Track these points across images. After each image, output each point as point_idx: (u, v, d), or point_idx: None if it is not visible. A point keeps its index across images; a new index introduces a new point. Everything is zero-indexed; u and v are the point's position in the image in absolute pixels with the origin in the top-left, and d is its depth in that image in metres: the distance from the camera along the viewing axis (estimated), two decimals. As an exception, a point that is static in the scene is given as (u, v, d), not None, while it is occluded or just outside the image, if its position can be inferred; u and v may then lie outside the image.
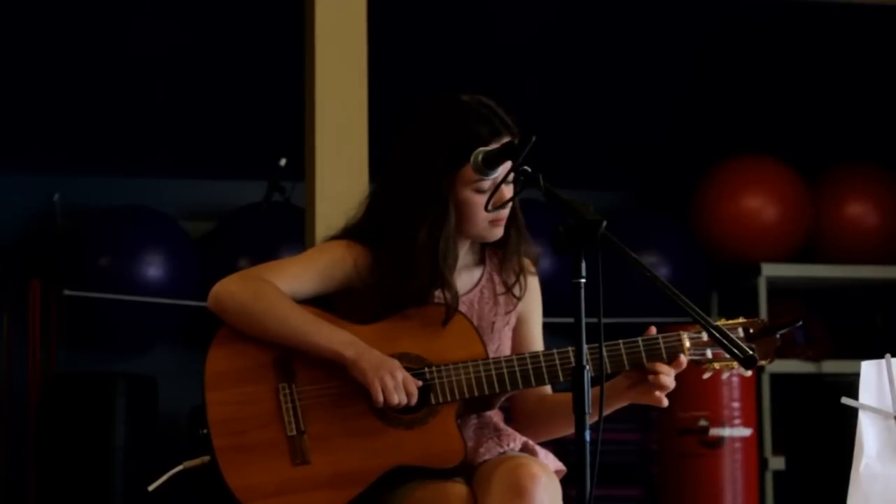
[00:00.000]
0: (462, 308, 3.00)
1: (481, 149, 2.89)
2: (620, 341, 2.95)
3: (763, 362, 2.96)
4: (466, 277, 3.07)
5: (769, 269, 7.01)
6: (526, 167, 2.81)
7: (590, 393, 2.63)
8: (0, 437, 6.74)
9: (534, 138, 2.80)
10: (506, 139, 2.95)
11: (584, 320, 2.63)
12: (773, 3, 6.48)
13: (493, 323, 3.07)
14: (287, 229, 6.62)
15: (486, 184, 2.94)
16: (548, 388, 3.12)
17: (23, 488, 6.53)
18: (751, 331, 2.99)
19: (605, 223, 2.64)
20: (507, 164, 2.89)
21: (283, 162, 6.72)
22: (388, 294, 2.96)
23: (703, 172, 7.27)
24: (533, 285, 3.13)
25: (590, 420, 2.62)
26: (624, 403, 3.01)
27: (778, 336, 2.99)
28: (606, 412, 2.94)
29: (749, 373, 2.98)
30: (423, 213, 2.95)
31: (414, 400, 2.90)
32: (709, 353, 2.98)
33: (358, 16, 5.29)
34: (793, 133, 7.29)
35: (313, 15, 5.27)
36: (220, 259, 6.74)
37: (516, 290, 3.07)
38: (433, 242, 2.95)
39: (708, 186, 7.23)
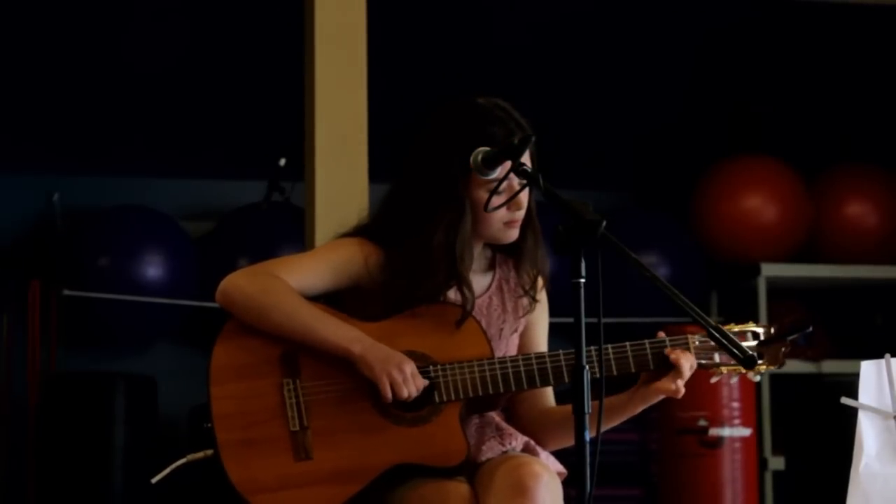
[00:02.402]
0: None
1: (480, 149, 2.91)
2: (627, 343, 2.95)
3: (772, 367, 2.97)
4: (477, 282, 3.08)
5: (769, 269, 7.01)
6: (526, 167, 2.82)
7: (590, 399, 2.64)
8: (0, 437, 6.74)
9: (533, 138, 2.82)
10: (519, 141, 2.97)
11: (583, 320, 2.64)
12: (773, 2, 6.48)
13: (502, 329, 3.08)
14: (287, 229, 6.62)
15: (502, 185, 2.94)
16: (550, 399, 3.12)
17: (23, 488, 6.53)
18: (761, 336, 2.99)
19: (604, 223, 2.64)
20: (507, 164, 2.90)
21: (282, 162, 6.73)
22: (400, 293, 2.97)
23: (702, 172, 7.27)
24: (541, 299, 3.14)
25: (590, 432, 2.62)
26: (630, 413, 3.00)
27: (787, 341, 2.99)
28: (615, 423, 2.96)
29: (758, 378, 2.99)
30: (440, 215, 2.97)
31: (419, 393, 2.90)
32: (716, 358, 2.98)
33: (358, 16, 5.29)
34: (793, 133, 7.29)
35: (313, 15, 5.27)
36: (219, 259, 6.74)
37: (532, 293, 3.08)
38: (450, 243, 2.96)
39: (708, 186, 7.23)
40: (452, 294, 2.99)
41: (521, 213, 3.02)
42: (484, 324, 3.02)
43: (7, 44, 6.32)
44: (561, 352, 2.95)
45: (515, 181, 2.94)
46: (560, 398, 3.11)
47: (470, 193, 2.98)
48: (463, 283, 2.97)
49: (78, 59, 6.46)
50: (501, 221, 3.00)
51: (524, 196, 2.98)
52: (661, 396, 2.97)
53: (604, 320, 2.59)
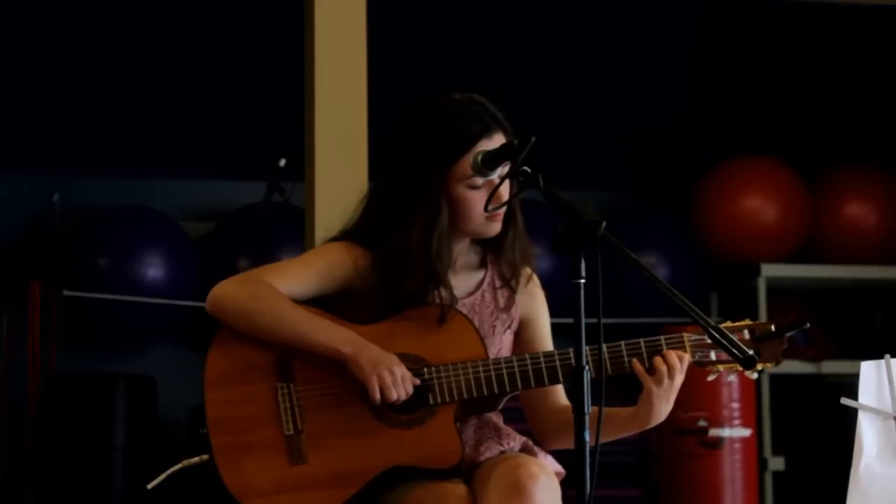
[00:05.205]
0: (463, 311, 3.00)
1: (481, 149, 2.91)
2: (622, 342, 2.95)
3: (769, 365, 2.96)
4: (468, 279, 3.07)
5: (769, 270, 7.01)
6: (525, 168, 2.81)
7: (590, 398, 2.64)
8: (0, 438, 6.74)
9: (533, 139, 2.81)
10: (497, 135, 2.96)
11: (583, 320, 2.64)
12: (773, 2, 6.48)
13: (494, 326, 3.07)
14: (287, 230, 6.62)
15: (480, 180, 2.95)
16: (562, 398, 3.11)
17: (23, 489, 6.53)
18: (756, 333, 2.99)
19: (604, 223, 2.64)
20: (507, 165, 2.90)
21: (282, 162, 6.72)
22: (387, 294, 2.96)
23: (703, 172, 7.27)
24: (535, 292, 3.13)
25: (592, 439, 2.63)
26: (640, 423, 2.99)
27: (785, 338, 2.99)
28: (626, 433, 2.96)
29: (755, 375, 2.98)
30: (416, 212, 2.96)
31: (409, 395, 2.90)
32: (712, 356, 2.97)
33: (358, 16, 5.29)
34: (793, 133, 7.29)
35: (313, 15, 5.27)
36: (219, 259, 6.74)
37: (512, 284, 3.07)
38: (426, 241, 2.95)
39: (708, 186, 7.23)
40: (445, 293, 2.98)
41: (502, 207, 3.01)
42: (476, 321, 3.02)
43: (8, 45, 6.32)
44: (556, 351, 2.94)
45: (496, 177, 2.94)
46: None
47: (447, 190, 2.97)
48: (440, 282, 2.96)
49: (78, 60, 6.46)
50: (483, 216, 2.99)
51: (504, 189, 2.96)
52: (656, 402, 2.95)
53: (604, 321, 2.58)
